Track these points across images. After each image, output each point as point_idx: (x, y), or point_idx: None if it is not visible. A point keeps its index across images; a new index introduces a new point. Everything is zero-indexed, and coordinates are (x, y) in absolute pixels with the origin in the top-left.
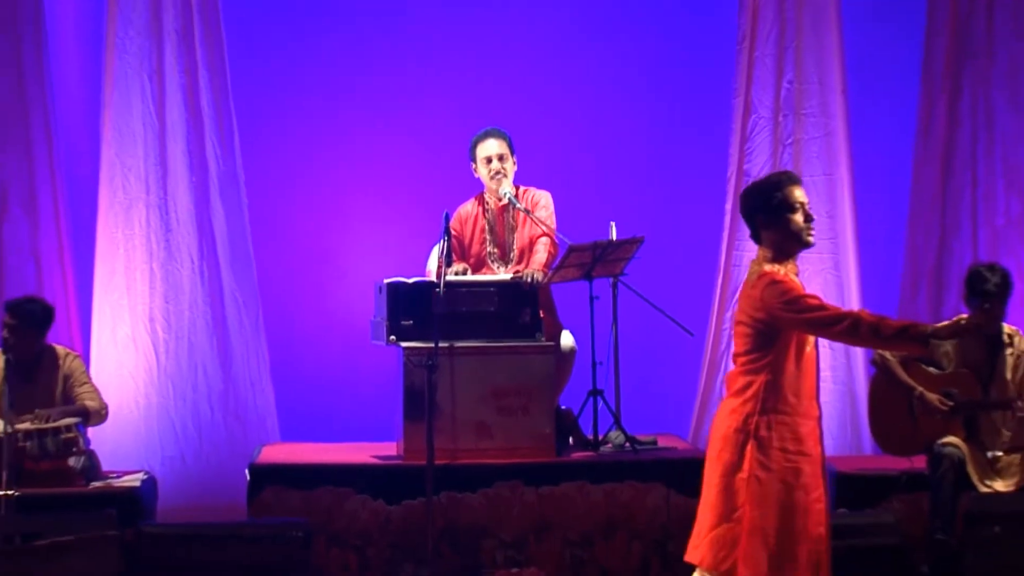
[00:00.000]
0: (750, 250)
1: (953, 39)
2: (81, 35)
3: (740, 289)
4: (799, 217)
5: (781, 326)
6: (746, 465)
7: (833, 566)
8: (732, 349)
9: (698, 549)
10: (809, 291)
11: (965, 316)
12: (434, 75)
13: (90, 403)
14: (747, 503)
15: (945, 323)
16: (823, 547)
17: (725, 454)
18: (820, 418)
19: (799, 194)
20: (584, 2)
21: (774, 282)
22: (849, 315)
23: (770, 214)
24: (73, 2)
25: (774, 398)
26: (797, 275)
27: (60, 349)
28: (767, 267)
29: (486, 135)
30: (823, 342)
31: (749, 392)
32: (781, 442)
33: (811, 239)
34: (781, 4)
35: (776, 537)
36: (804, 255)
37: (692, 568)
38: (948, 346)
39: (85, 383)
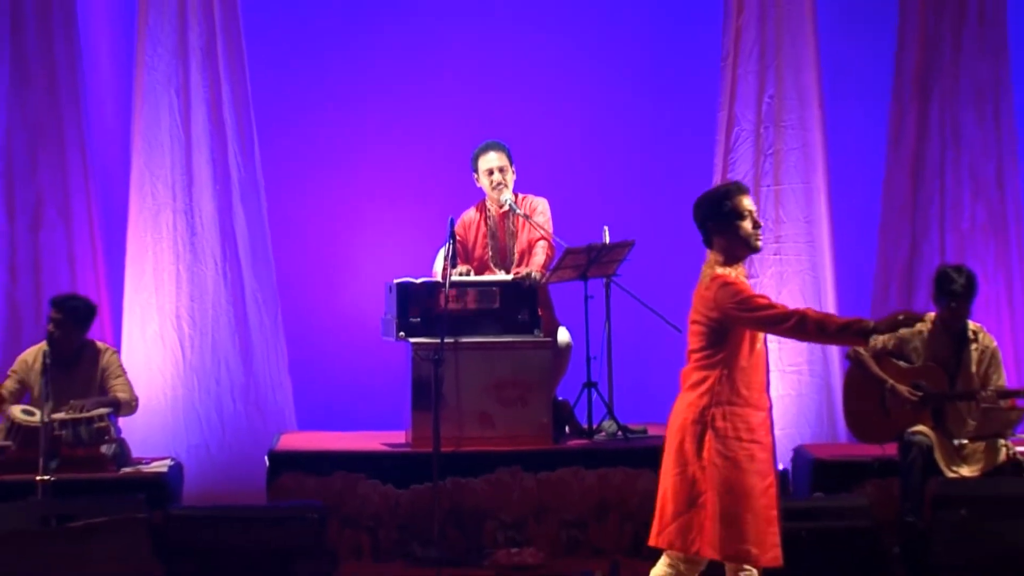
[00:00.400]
0: None
1: (922, 58)
2: (113, 54)
3: (694, 291)
4: (748, 224)
5: (733, 325)
6: (705, 454)
7: (810, 546)
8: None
9: (663, 535)
10: (758, 292)
11: (904, 311)
12: (440, 89)
13: (121, 395)
14: (709, 489)
15: (884, 318)
16: (775, 528)
17: (685, 444)
18: (770, 409)
19: (747, 203)
20: (582, 25)
21: (726, 284)
22: (796, 313)
23: (720, 221)
24: (105, 23)
25: (728, 391)
26: (747, 277)
27: (100, 344)
28: (719, 270)
29: (487, 148)
30: (820, 348)
31: (704, 386)
32: (736, 432)
33: (759, 244)
34: (762, 25)
35: (736, 517)
36: (785, 258)
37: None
38: (917, 342)
39: (119, 376)
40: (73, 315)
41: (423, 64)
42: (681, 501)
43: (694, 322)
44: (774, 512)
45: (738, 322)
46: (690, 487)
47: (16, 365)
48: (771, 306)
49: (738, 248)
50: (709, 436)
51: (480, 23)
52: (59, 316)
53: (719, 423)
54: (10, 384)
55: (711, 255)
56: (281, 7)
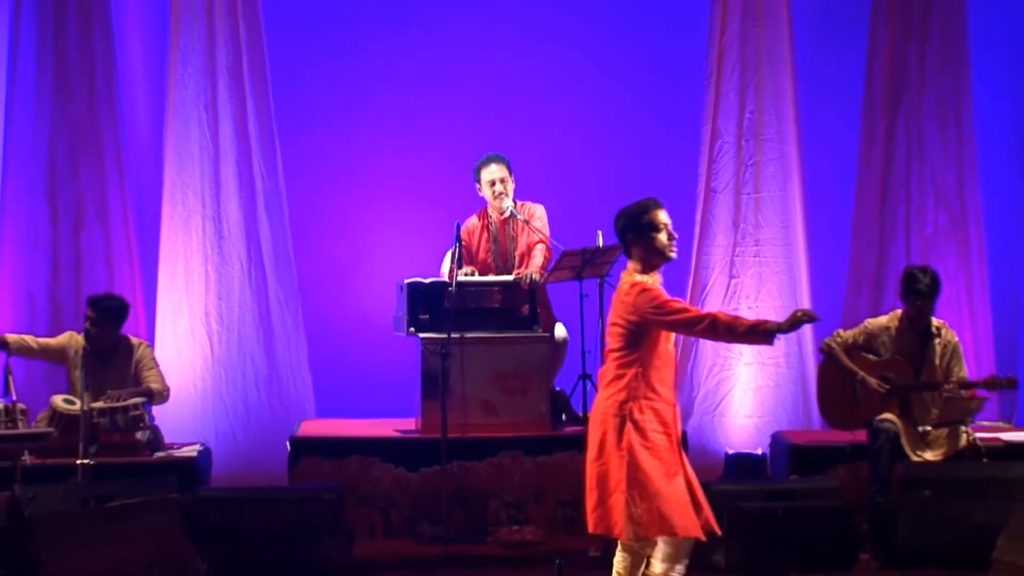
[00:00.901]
0: (715, 254)
1: (890, 77)
2: (147, 71)
3: (613, 296)
4: (663, 236)
5: (650, 328)
6: (624, 444)
7: (786, 524)
8: (607, 346)
9: (592, 519)
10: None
11: (801, 309)
12: (447, 104)
13: (154, 385)
14: (631, 475)
15: (787, 318)
16: (690, 509)
17: (607, 436)
18: (676, 404)
19: (663, 216)
20: (582, 47)
21: (644, 291)
22: (708, 315)
23: (638, 233)
24: (140, 42)
25: (643, 387)
26: (660, 284)
27: (134, 339)
28: (637, 278)
29: (488, 160)
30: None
31: (622, 383)
32: (651, 424)
33: (673, 255)
34: (743, 47)
35: (672, 498)
36: (764, 260)
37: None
38: (885, 337)
39: (152, 368)
40: (108, 314)
41: (431, 81)
42: (606, 488)
43: (613, 324)
44: (686, 494)
45: (655, 325)
46: (614, 474)
47: (62, 337)
48: (685, 310)
49: (654, 257)
50: (628, 427)
51: (484, 44)
52: (95, 315)
53: (636, 416)
54: (51, 343)
55: (630, 263)
56: (301, 29)
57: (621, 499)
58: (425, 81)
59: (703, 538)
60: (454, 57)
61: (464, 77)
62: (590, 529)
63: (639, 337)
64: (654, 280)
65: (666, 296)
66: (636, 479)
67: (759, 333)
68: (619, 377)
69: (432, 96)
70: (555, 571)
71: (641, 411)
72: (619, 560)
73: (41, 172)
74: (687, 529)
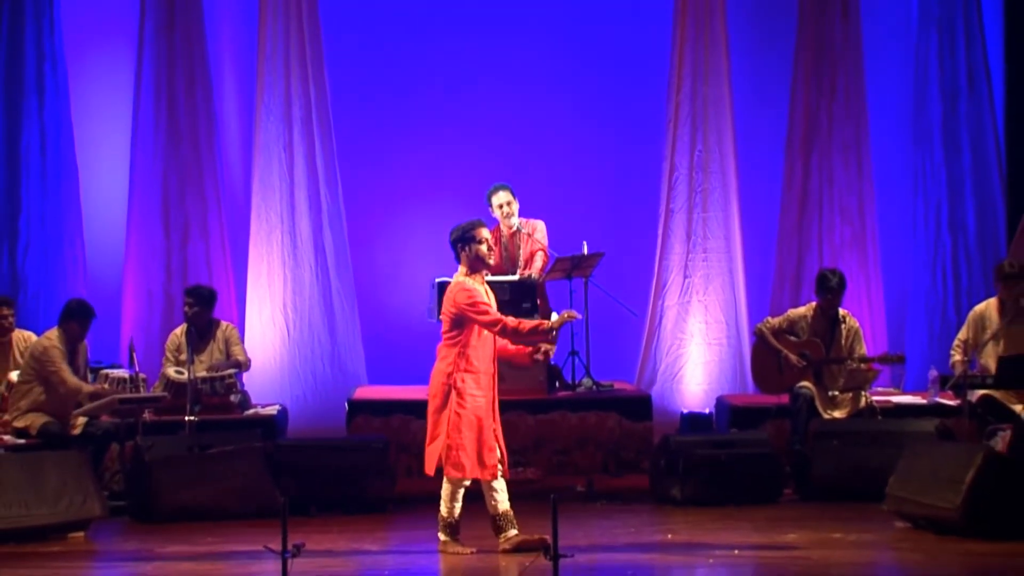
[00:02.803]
0: (673, 260)
1: (806, 124)
2: (239, 122)
3: (447, 291)
4: (483, 247)
5: (467, 320)
6: (450, 404)
7: (727, 467)
8: (442, 328)
9: (425, 456)
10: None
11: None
12: (470, 146)
13: (240, 358)
14: (451, 428)
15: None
16: (495, 453)
17: (436, 398)
18: (494, 374)
19: (484, 233)
20: (573, 103)
21: (464, 290)
22: (501, 319)
23: (466, 244)
24: (234, 101)
25: (465, 362)
26: (483, 284)
27: (225, 323)
28: (462, 279)
29: (497, 189)
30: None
31: (450, 358)
32: (471, 389)
33: (491, 262)
34: (693, 100)
35: (469, 448)
36: (710, 265)
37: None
38: (803, 323)
39: (238, 345)
40: (200, 299)
41: (454, 126)
42: (434, 435)
43: (444, 313)
44: (494, 443)
45: (469, 319)
46: (439, 428)
47: (168, 345)
48: (487, 312)
49: (477, 263)
50: (453, 393)
51: (497, 96)
52: (191, 299)
53: (459, 384)
54: (170, 351)
55: (460, 267)
56: (357, 87)
57: (439, 446)
58: (448, 126)
59: (496, 479)
60: (473, 106)
61: (482, 123)
62: (426, 467)
63: (461, 324)
64: (476, 281)
65: (480, 298)
66: (455, 431)
67: (539, 333)
68: (448, 355)
69: (455, 137)
70: (550, 504)
71: (463, 380)
72: (444, 487)
73: (157, 199)
74: (483, 473)
